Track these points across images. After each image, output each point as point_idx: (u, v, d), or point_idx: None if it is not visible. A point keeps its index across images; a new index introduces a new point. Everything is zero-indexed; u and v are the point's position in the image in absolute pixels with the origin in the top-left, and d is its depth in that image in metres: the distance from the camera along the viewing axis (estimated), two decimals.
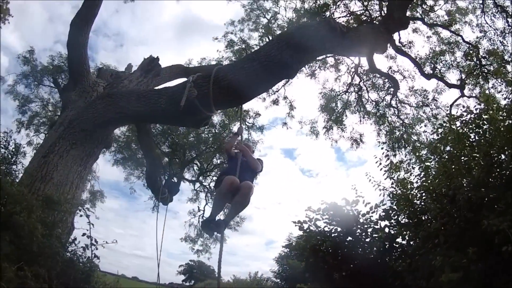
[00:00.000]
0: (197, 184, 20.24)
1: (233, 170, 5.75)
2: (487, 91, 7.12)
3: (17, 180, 7.19)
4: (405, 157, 14.61)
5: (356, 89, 17.10)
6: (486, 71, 14.22)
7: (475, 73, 14.54)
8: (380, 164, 8.10)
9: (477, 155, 6.24)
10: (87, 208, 7.32)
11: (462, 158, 6.47)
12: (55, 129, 9.01)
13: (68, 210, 7.03)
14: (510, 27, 13.48)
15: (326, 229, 8.35)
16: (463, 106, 7.42)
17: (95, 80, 10.43)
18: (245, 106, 17.90)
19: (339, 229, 8.14)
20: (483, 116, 6.46)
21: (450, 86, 15.25)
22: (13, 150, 6.96)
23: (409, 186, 7.52)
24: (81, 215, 7.43)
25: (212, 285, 33.22)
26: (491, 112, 6.37)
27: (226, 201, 5.45)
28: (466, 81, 14.80)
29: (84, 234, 7.00)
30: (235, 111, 15.88)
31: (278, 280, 15.15)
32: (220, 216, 5.51)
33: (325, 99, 17.49)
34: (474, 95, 14.19)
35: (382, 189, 7.94)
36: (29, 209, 5.79)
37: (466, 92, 14.67)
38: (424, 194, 7.10)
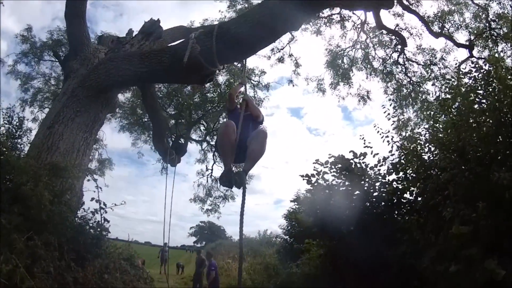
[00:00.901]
0: (205, 144, 20.30)
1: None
2: (496, 55, 6.97)
3: (23, 154, 7.19)
4: (413, 115, 14.59)
5: (362, 46, 16.90)
6: (495, 34, 14.06)
7: (484, 35, 14.38)
8: (389, 114, 8.02)
9: (486, 112, 6.14)
10: (94, 172, 7.36)
11: (471, 114, 6.34)
12: (59, 99, 8.98)
13: (76, 175, 7.04)
14: None
15: (334, 182, 8.34)
16: (472, 62, 7.29)
17: (96, 47, 10.33)
18: (250, 64, 17.79)
19: (347, 182, 8.12)
20: (492, 74, 6.31)
21: (459, 45, 15.10)
22: (17, 124, 6.92)
23: (417, 140, 7.44)
24: (88, 179, 7.47)
25: (222, 245, 33.73)
26: (500, 72, 6.22)
27: (231, 147, 5.08)
28: (475, 43, 14.59)
29: (93, 199, 7.04)
30: (240, 69, 15.75)
31: (287, 236, 15.26)
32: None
33: (331, 55, 17.28)
34: (483, 57, 13.97)
35: (390, 140, 7.87)
36: (36, 178, 5.80)
37: (475, 53, 14.47)
38: (432, 146, 7.03)
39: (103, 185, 7.41)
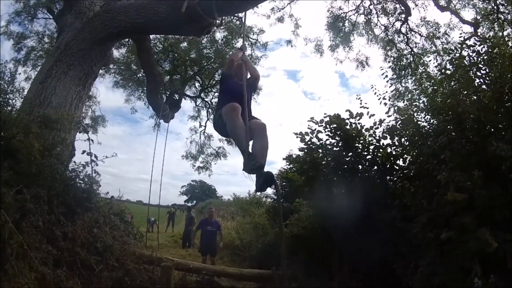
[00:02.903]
0: (199, 101, 20.20)
1: (234, 98, 4.99)
2: (501, 39, 6.86)
3: (15, 110, 7.06)
4: (411, 84, 14.58)
5: (365, 12, 16.67)
6: (502, 18, 13.83)
7: (491, 17, 14.15)
8: (387, 76, 7.95)
9: (487, 85, 6.14)
10: (87, 124, 7.30)
11: (471, 88, 6.24)
12: (52, 54, 8.84)
13: (67, 127, 6.96)
14: None
15: (327, 142, 8.30)
16: (478, 35, 7.17)
17: (91, 1, 10.08)
18: (249, 22, 17.71)
19: (341, 143, 8.09)
20: (496, 51, 6.21)
21: (464, 22, 14.95)
22: (9, 80, 6.75)
23: (414, 108, 7.37)
24: (80, 132, 7.39)
25: (213, 204, 34.02)
26: (503, 50, 6.12)
27: (244, 129, 4.68)
28: (481, 23, 14.40)
29: (84, 152, 6.97)
30: (238, 26, 15.58)
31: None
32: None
33: (332, 17, 17.03)
34: (487, 36, 13.87)
35: (388, 102, 7.84)
36: (26, 129, 5.72)
37: (479, 33, 14.23)
38: (430, 115, 6.95)
39: (96, 143, 7.36)
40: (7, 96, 6.52)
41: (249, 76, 5.61)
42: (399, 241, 6.36)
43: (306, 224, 8.89)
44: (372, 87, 7.88)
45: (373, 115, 8.02)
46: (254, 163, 4.50)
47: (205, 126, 20.50)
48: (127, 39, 14.71)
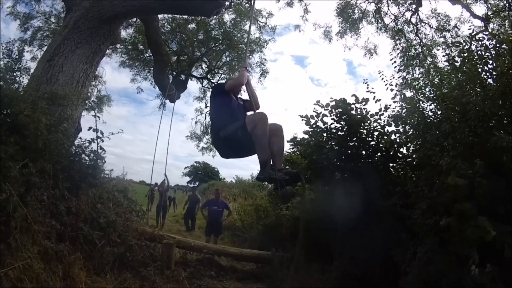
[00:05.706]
0: (205, 82, 19.91)
1: (234, 113, 5.02)
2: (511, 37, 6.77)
3: (22, 87, 7.08)
4: (419, 76, 14.51)
5: (375, 1, 16.56)
6: None
7: (502, 14, 13.98)
8: (395, 62, 7.91)
9: (493, 80, 6.12)
10: (93, 101, 7.30)
11: (478, 80, 6.23)
12: (59, 32, 8.82)
13: (74, 104, 6.99)
14: None
15: (332, 126, 8.31)
16: (488, 30, 7.11)
17: None
18: (257, 5, 17.58)
19: (345, 128, 8.10)
20: (503, 47, 6.17)
21: (475, 16, 14.89)
22: (16, 57, 6.75)
23: (420, 96, 7.36)
24: (86, 108, 7.40)
25: (215, 185, 34.17)
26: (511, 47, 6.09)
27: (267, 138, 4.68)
28: (492, 19, 14.24)
29: (90, 128, 6.99)
30: (247, 9, 15.53)
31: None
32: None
33: (342, 3, 16.98)
34: (498, 33, 13.75)
35: (394, 88, 7.86)
36: (34, 105, 5.73)
37: (490, 28, 14.11)
38: (435, 104, 6.94)
39: (101, 122, 7.35)
40: (14, 74, 6.52)
41: (246, 95, 5.54)
42: (399, 228, 6.40)
43: (308, 207, 8.93)
44: (379, 73, 7.87)
45: (379, 100, 8.02)
46: (281, 175, 4.55)
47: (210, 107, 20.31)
48: (135, 19, 14.67)
